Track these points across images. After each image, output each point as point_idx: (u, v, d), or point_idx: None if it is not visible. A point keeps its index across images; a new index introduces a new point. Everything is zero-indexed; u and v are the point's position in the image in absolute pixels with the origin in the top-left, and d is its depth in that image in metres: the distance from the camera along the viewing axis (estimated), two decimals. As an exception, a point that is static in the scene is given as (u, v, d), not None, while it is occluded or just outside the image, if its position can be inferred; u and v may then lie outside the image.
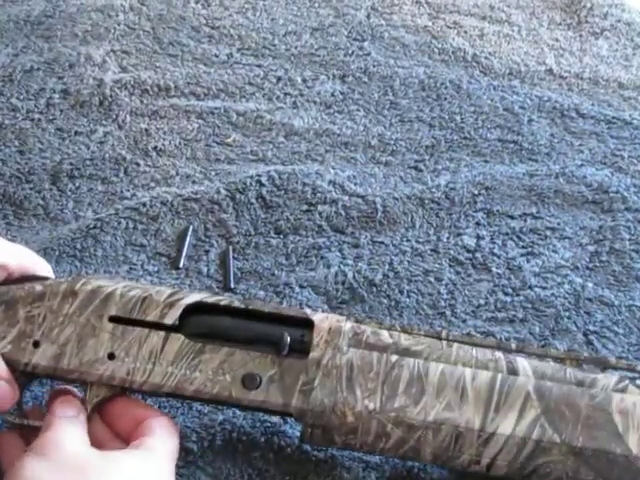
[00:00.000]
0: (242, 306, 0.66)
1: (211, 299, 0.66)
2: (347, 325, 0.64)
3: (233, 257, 0.86)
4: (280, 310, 0.67)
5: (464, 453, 0.60)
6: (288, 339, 0.63)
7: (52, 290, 0.65)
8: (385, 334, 0.64)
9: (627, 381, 0.62)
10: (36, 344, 0.63)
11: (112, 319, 0.64)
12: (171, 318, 0.64)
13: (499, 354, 0.64)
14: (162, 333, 0.63)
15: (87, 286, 0.65)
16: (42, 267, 0.69)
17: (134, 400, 0.65)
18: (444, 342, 0.64)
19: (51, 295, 0.64)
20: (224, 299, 0.66)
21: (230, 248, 0.87)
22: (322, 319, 0.64)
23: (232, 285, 0.83)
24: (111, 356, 0.63)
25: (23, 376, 0.64)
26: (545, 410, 0.60)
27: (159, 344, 0.63)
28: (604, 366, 0.65)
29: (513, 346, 0.65)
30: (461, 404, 0.60)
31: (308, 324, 0.64)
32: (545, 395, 0.61)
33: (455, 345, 0.64)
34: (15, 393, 0.62)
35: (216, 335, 0.64)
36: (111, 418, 0.63)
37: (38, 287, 0.65)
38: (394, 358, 0.63)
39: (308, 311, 0.67)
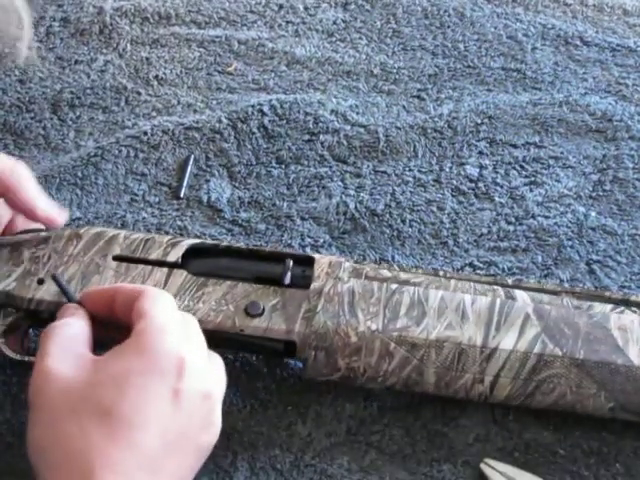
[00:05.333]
0: (243, 247, 0.68)
1: (212, 242, 0.69)
2: (347, 262, 0.66)
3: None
4: (281, 250, 0.69)
5: (467, 371, 0.61)
6: (291, 264, 0.64)
7: (57, 234, 0.67)
8: (384, 270, 0.66)
9: (623, 307, 0.64)
10: (40, 281, 0.64)
11: (116, 258, 0.66)
12: (174, 256, 0.66)
13: (497, 287, 0.65)
14: (165, 269, 0.65)
15: (91, 230, 0.67)
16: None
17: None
18: (442, 278, 0.65)
19: (56, 238, 0.67)
20: (225, 242, 0.69)
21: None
22: (322, 256, 0.67)
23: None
24: None
25: (27, 317, 0.65)
26: (545, 328, 0.61)
27: (162, 279, 0.64)
28: (599, 298, 0.66)
29: (509, 281, 0.67)
30: (462, 324, 0.62)
31: (309, 262, 0.66)
32: (544, 316, 0.62)
33: (453, 279, 0.65)
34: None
35: (218, 275, 0.65)
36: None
37: (43, 233, 0.67)
38: (394, 286, 0.64)
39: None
